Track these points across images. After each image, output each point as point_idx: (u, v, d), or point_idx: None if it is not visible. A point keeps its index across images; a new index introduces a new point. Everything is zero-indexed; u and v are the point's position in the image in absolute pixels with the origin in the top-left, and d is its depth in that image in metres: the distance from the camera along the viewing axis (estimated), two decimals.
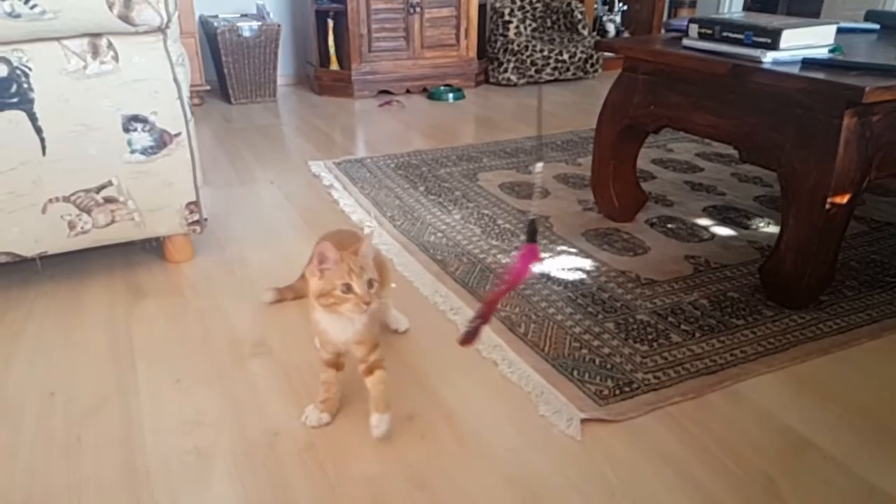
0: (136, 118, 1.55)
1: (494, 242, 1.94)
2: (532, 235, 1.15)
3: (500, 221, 2.09)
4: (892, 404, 1.29)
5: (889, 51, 1.75)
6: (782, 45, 1.53)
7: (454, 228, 2.04)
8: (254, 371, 1.37)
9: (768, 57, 1.53)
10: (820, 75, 1.42)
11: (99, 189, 1.58)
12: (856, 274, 1.77)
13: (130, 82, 1.52)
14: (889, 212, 2.20)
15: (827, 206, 1.43)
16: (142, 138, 1.57)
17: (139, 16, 1.46)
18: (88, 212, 1.59)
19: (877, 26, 2.13)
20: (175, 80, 1.58)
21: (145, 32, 1.50)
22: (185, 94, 1.62)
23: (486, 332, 1.48)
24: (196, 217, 1.74)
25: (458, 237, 1.98)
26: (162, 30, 1.53)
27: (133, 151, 1.58)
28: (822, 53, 1.59)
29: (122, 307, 1.60)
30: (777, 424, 1.23)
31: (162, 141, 1.60)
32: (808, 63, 1.52)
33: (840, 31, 1.71)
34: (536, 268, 1.41)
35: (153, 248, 1.88)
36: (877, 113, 1.42)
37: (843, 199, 1.44)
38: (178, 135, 1.62)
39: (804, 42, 1.57)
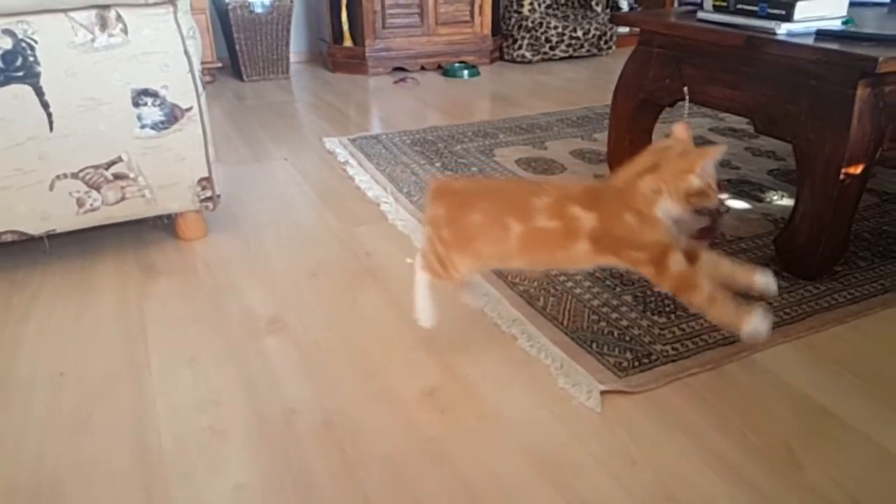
0: (146, 92, 1.54)
1: None
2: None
3: None
4: None
5: None
6: (796, 16, 1.53)
7: None
8: (269, 348, 1.36)
9: (783, 28, 1.54)
10: (834, 46, 1.42)
11: (108, 165, 1.57)
12: (869, 245, 1.76)
13: (140, 55, 1.51)
14: None
15: (841, 176, 1.42)
16: (152, 113, 1.57)
17: None
18: (97, 188, 1.58)
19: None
20: (186, 52, 1.57)
21: (155, 4, 1.49)
22: (197, 67, 1.61)
23: (504, 305, 1.49)
24: (209, 193, 1.73)
25: None
26: (172, 1, 1.52)
27: (143, 126, 1.57)
28: (836, 25, 1.59)
29: (133, 286, 1.60)
30: (794, 393, 1.23)
31: (173, 115, 1.59)
32: (821, 34, 1.52)
33: (853, 3, 1.73)
34: None
35: (165, 226, 1.88)
36: (889, 84, 1.42)
37: (857, 170, 1.43)
38: (189, 109, 1.61)
39: (818, 14, 1.57)
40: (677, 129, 1.13)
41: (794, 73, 1.49)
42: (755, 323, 1.11)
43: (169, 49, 1.55)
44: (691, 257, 1.15)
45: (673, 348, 1.33)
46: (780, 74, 1.53)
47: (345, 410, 1.19)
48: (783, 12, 1.54)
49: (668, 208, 1.10)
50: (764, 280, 1.18)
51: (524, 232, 1.14)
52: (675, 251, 1.11)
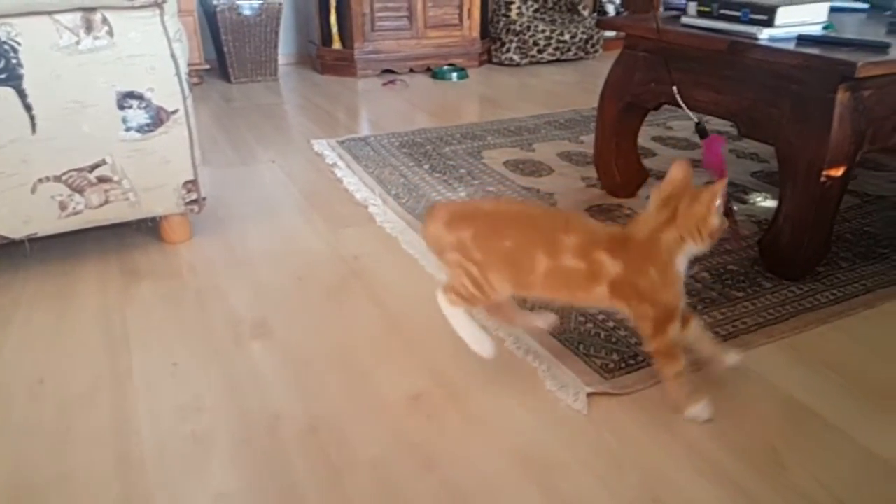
0: (131, 95, 1.54)
1: None
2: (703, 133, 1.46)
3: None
4: (888, 372, 1.30)
5: (878, 28, 1.77)
6: (778, 22, 1.55)
7: None
8: (254, 353, 1.35)
9: (764, 34, 1.55)
10: (814, 51, 1.44)
11: (92, 168, 1.56)
12: (850, 246, 1.79)
13: (126, 58, 1.51)
14: (881, 185, 2.22)
15: (822, 178, 1.44)
16: (137, 115, 1.56)
17: None
18: (81, 191, 1.57)
19: (866, 5, 2.18)
20: (172, 55, 1.57)
21: (141, 7, 1.49)
22: (183, 70, 1.61)
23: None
24: (194, 196, 1.72)
25: None
26: (159, 4, 1.51)
27: (128, 129, 1.56)
28: (816, 30, 1.61)
29: (115, 290, 1.58)
30: (779, 394, 1.24)
31: (159, 118, 1.59)
32: (802, 39, 1.54)
33: (832, 9, 1.75)
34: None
35: (149, 229, 1.86)
36: (868, 88, 1.44)
37: (838, 172, 1.45)
38: (175, 112, 1.61)
39: (799, 19, 1.59)
40: (675, 169, 1.13)
41: (776, 78, 1.51)
42: (699, 410, 1.16)
43: (155, 52, 1.54)
44: (684, 320, 1.18)
45: None
46: (763, 78, 1.55)
47: (330, 416, 1.18)
48: (765, 18, 1.55)
49: (694, 251, 1.13)
50: (733, 362, 1.24)
51: (551, 268, 1.14)
52: (677, 319, 1.14)
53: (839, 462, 1.08)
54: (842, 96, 1.40)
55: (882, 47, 1.45)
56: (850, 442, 1.12)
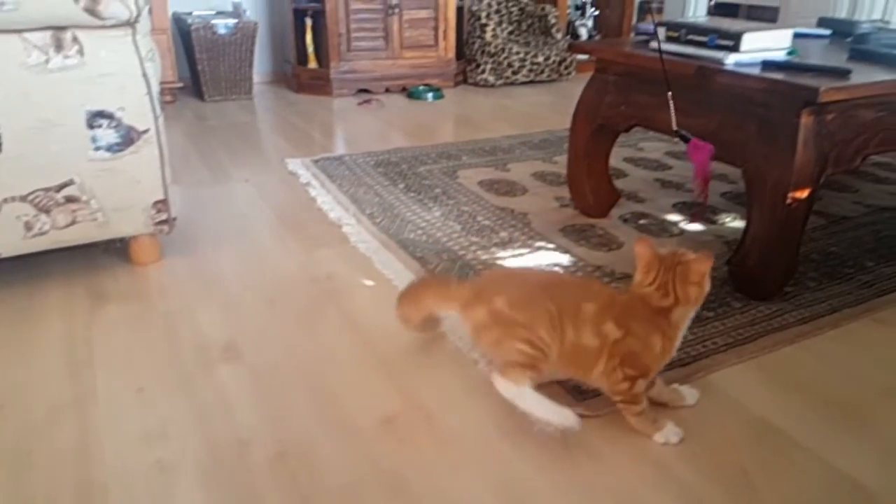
0: (101, 114, 1.52)
1: (474, 239, 1.95)
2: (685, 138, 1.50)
3: (479, 218, 2.10)
4: (854, 391, 1.32)
5: (840, 54, 1.82)
6: (743, 47, 1.58)
7: (434, 225, 2.04)
8: (223, 377, 1.33)
9: (731, 59, 1.59)
10: (779, 76, 1.47)
11: (59, 188, 1.54)
12: (817, 266, 1.82)
13: (96, 77, 1.49)
14: (845, 206, 2.26)
15: (788, 200, 1.47)
16: (107, 135, 1.54)
17: (106, 9, 1.44)
18: (47, 212, 1.54)
19: (828, 32, 2.24)
20: (144, 75, 1.56)
21: (113, 26, 1.48)
22: (155, 89, 1.60)
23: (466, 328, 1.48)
24: (164, 216, 1.71)
25: (438, 234, 1.98)
26: (131, 24, 1.51)
27: (98, 148, 1.54)
28: (780, 56, 1.65)
29: (81, 313, 1.55)
30: (748, 415, 1.25)
31: (129, 137, 1.57)
32: (767, 65, 1.58)
33: (796, 35, 1.80)
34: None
35: (117, 250, 1.83)
36: (831, 112, 1.48)
37: (803, 194, 1.48)
38: (146, 131, 1.59)
39: (763, 45, 1.62)
40: (639, 249, 1.17)
41: (743, 102, 1.54)
42: (669, 434, 1.17)
43: (127, 71, 1.53)
44: (651, 381, 1.21)
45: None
46: (730, 102, 1.58)
47: (300, 441, 1.16)
48: (731, 43, 1.59)
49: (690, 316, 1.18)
50: (692, 400, 1.27)
51: (573, 341, 1.14)
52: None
53: (808, 482, 1.09)
54: (806, 120, 1.44)
55: (843, 73, 1.49)
56: (819, 461, 1.13)
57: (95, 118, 1.52)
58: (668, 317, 1.14)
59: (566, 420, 1.13)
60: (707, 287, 1.15)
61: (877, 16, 3.98)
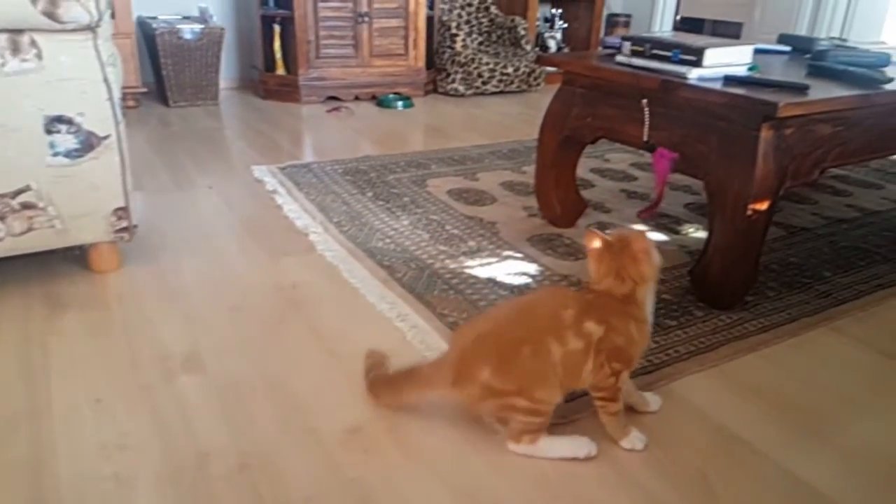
0: (60, 119, 1.48)
1: (442, 248, 1.95)
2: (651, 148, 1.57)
3: (448, 227, 2.10)
4: (812, 399, 1.35)
5: (799, 70, 1.87)
6: (706, 62, 1.62)
7: (402, 234, 2.04)
8: (183, 388, 1.30)
9: (693, 73, 1.62)
10: (739, 91, 1.50)
11: (15, 194, 1.49)
12: (776, 276, 1.86)
13: (55, 82, 1.46)
14: (804, 217, 2.32)
15: (749, 212, 1.50)
16: (66, 140, 1.51)
17: (67, 13, 1.41)
18: (2, 219, 1.50)
19: (788, 48, 2.29)
20: (105, 80, 1.53)
21: (73, 30, 1.45)
22: (116, 95, 1.57)
23: (433, 337, 1.49)
24: (124, 224, 1.67)
25: (406, 243, 1.98)
26: (92, 28, 1.48)
27: (56, 154, 1.51)
28: (742, 71, 1.68)
29: (37, 321, 1.50)
30: (709, 421, 1.27)
31: (89, 143, 1.54)
32: (728, 80, 1.62)
33: (757, 51, 1.83)
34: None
35: (76, 258, 1.78)
36: (790, 126, 1.52)
37: (763, 206, 1.51)
38: (106, 137, 1.56)
39: (725, 60, 1.66)
40: (588, 240, 1.18)
41: (705, 115, 1.58)
42: (634, 440, 1.19)
43: (87, 76, 1.50)
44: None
45: None
46: (692, 116, 1.61)
47: (263, 452, 1.15)
48: (694, 58, 1.62)
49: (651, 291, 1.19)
50: (656, 406, 1.29)
51: (564, 353, 1.12)
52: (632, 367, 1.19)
53: (766, 488, 1.11)
54: (765, 134, 1.47)
55: (802, 88, 1.53)
56: (776, 467, 1.16)
57: (54, 123, 1.48)
58: (634, 301, 1.16)
59: (585, 449, 1.16)
60: (657, 258, 1.16)
61: (835, 33, 4.10)
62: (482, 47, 4.45)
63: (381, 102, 3.88)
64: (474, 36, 4.47)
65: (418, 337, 1.49)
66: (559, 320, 1.12)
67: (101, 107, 1.54)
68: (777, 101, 1.40)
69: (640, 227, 1.19)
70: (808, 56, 2.06)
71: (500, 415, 1.15)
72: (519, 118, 3.71)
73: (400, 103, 3.85)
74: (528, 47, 4.45)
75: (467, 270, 1.82)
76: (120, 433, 1.18)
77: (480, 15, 4.53)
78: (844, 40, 2.86)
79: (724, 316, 1.62)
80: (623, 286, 1.15)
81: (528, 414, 1.12)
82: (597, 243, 1.17)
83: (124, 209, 1.66)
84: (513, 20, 4.49)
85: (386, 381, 1.25)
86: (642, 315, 1.17)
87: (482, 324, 1.18)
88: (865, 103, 1.62)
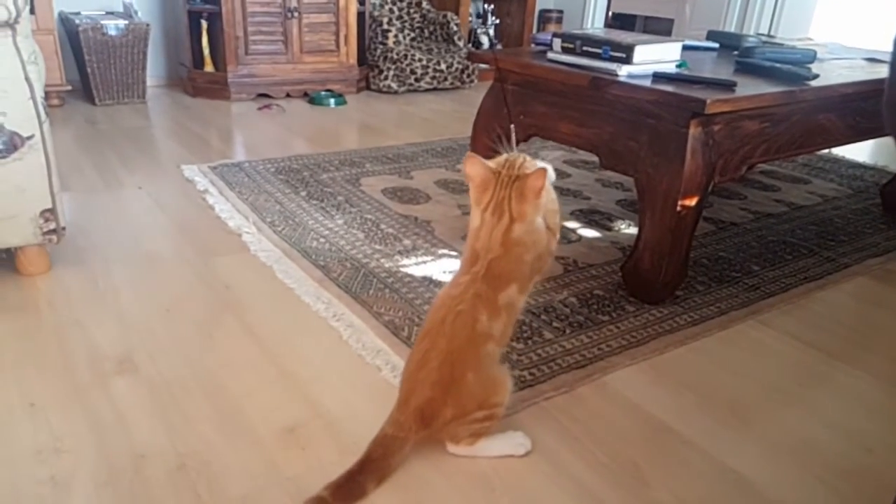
0: None
1: (378, 247, 1.95)
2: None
3: (383, 226, 2.10)
4: (740, 389, 1.40)
5: (727, 67, 1.92)
6: (635, 59, 1.64)
7: (337, 233, 2.02)
8: (118, 390, 1.28)
9: (623, 70, 1.64)
10: (668, 88, 1.54)
11: None
12: (706, 270, 1.92)
13: None
14: (733, 213, 2.41)
15: (678, 207, 1.54)
16: None
17: None
18: None
19: (716, 45, 2.35)
20: (27, 78, 1.46)
21: None
22: (39, 94, 1.50)
23: (369, 336, 1.48)
24: (52, 226, 1.61)
25: (340, 242, 1.96)
26: (10, 25, 1.41)
27: None
28: (671, 68, 1.72)
29: None
30: (640, 413, 1.31)
31: (12, 144, 1.48)
32: (658, 77, 1.65)
33: (685, 48, 1.87)
34: None
35: (3, 261, 1.71)
36: (718, 123, 1.56)
37: (692, 202, 1.56)
38: (30, 137, 1.50)
39: (655, 57, 1.69)
40: (468, 167, 1.13)
41: (635, 112, 1.61)
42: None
43: (7, 75, 1.44)
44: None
45: (530, 373, 1.38)
46: (622, 113, 1.64)
47: (199, 453, 1.13)
48: (624, 55, 1.64)
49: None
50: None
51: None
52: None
53: (696, 476, 1.15)
54: (694, 130, 1.51)
55: (729, 85, 1.56)
56: (706, 456, 1.20)
57: None
58: (510, 235, 1.10)
59: (522, 447, 1.17)
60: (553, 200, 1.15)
61: (764, 29, 4.19)
62: (415, 43, 4.45)
63: (314, 100, 3.83)
64: (406, 32, 4.46)
65: (354, 336, 1.49)
66: (481, 331, 1.09)
67: (24, 106, 1.48)
68: (705, 98, 1.43)
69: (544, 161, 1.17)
70: (735, 53, 2.09)
71: (475, 429, 1.14)
72: (452, 115, 3.73)
73: (332, 101, 3.81)
74: (461, 43, 4.47)
75: (403, 269, 1.82)
76: (55, 437, 1.15)
77: (413, 10, 4.52)
78: (772, 37, 2.91)
79: (655, 310, 1.67)
80: (500, 222, 1.10)
81: (486, 420, 1.13)
82: (479, 170, 1.11)
83: (52, 211, 1.60)
84: (445, 16, 4.50)
85: (349, 477, 1.07)
86: (543, 240, 1.14)
87: (423, 373, 1.10)
88: (791, 99, 1.67)
